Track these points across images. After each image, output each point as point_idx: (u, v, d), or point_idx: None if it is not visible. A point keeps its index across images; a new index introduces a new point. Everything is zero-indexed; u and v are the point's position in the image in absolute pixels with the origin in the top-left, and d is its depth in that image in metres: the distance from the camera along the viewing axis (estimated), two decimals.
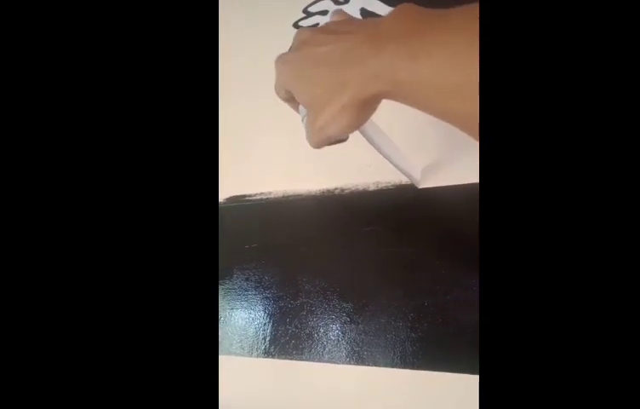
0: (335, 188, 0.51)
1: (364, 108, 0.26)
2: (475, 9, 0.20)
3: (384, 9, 0.54)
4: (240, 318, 0.52)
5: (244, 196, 0.56)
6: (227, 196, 0.57)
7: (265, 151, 0.57)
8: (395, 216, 0.47)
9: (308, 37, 0.28)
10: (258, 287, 0.52)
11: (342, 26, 0.27)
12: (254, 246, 0.54)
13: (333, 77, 0.26)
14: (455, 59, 0.20)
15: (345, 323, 0.46)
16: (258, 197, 0.55)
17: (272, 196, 0.55)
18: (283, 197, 0.54)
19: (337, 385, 0.46)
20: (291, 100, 0.32)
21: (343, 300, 0.47)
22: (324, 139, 0.28)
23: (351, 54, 0.25)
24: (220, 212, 0.57)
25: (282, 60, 0.30)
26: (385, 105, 0.28)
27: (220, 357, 0.53)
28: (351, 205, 0.50)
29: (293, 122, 0.36)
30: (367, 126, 0.36)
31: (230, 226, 0.56)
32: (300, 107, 0.31)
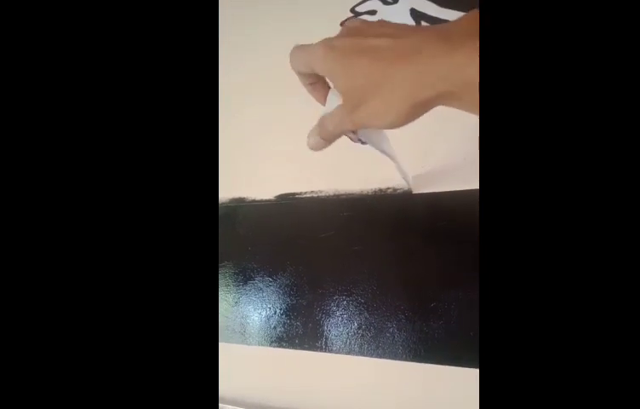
0: (388, 188, 0.52)
1: (416, 109, 0.25)
2: None
3: (435, 10, 0.54)
4: (295, 312, 0.54)
5: (294, 194, 0.58)
6: (278, 193, 0.59)
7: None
8: (452, 217, 0.49)
9: (361, 26, 0.27)
10: (311, 284, 0.54)
11: (399, 28, 0.26)
12: (305, 243, 0.56)
13: (383, 72, 0.24)
14: None
15: (401, 322, 0.48)
16: (309, 195, 0.57)
17: (323, 194, 0.56)
18: (335, 195, 0.55)
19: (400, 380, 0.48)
20: (315, 86, 0.31)
21: (399, 300, 0.49)
22: (353, 127, 0.28)
23: (414, 48, 0.24)
24: (271, 210, 0.59)
25: (327, 43, 0.28)
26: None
27: (272, 349, 0.55)
28: (403, 206, 0.51)
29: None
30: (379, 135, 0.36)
31: (281, 223, 0.58)
32: (329, 98, 0.30)
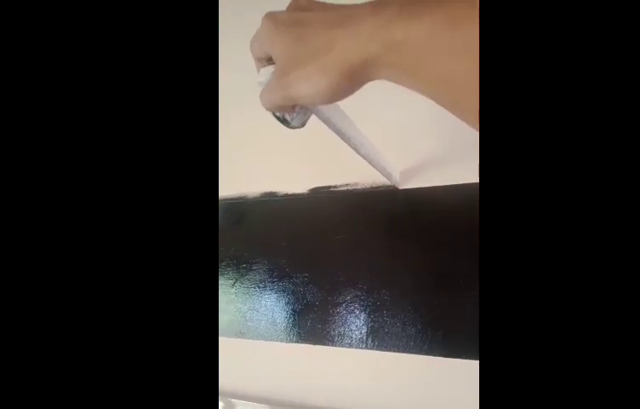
0: None
1: (347, 77, 0.24)
2: None
3: None
4: (335, 308, 0.53)
5: (329, 187, 0.56)
6: (311, 187, 0.57)
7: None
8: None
9: (305, 4, 0.27)
10: (347, 281, 0.53)
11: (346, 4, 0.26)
12: (342, 238, 0.54)
13: (320, 38, 0.24)
14: (454, 19, 0.20)
15: (447, 318, 0.47)
16: (344, 188, 0.55)
17: (360, 187, 0.54)
18: (372, 188, 0.53)
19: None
20: (262, 59, 0.30)
21: (442, 293, 0.47)
22: (284, 97, 0.27)
23: (347, 15, 0.24)
24: (304, 204, 0.57)
25: (271, 17, 0.28)
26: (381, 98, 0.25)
27: (309, 346, 0.54)
28: (444, 198, 0.49)
29: (381, 112, 0.33)
30: (346, 126, 0.35)
31: (315, 217, 0.56)
32: (262, 70, 0.29)
